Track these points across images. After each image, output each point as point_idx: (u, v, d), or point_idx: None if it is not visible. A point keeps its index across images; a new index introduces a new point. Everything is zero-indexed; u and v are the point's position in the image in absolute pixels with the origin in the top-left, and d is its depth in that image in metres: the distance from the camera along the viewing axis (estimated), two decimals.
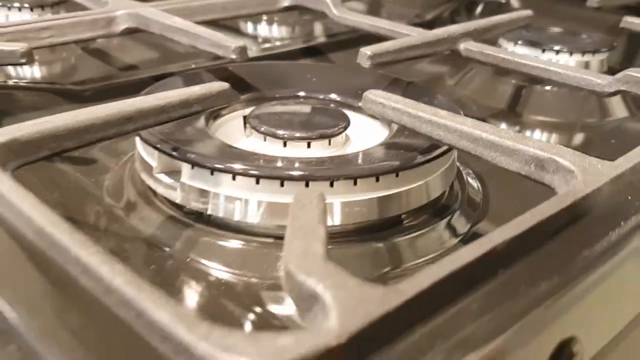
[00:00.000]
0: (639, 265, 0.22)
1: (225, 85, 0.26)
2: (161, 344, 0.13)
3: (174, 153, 0.24)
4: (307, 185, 0.23)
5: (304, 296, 0.14)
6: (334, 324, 0.13)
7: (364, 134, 0.29)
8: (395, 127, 0.28)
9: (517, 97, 0.40)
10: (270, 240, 0.23)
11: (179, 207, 0.25)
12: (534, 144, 0.22)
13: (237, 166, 0.23)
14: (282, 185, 0.23)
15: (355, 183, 0.23)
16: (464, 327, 0.16)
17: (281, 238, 0.16)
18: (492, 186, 0.28)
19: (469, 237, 0.25)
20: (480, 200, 0.28)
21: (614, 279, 0.21)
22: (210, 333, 0.13)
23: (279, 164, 0.24)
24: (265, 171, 0.23)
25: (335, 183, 0.23)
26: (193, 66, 0.40)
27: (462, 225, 0.26)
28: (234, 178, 0.23)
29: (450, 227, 0.25)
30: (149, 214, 0.25)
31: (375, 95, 0.26)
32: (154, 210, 0.25)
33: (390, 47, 0.34)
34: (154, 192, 0.26)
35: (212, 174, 0.23)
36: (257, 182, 0.23)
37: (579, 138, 0.37)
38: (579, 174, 0.21)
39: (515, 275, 0.17)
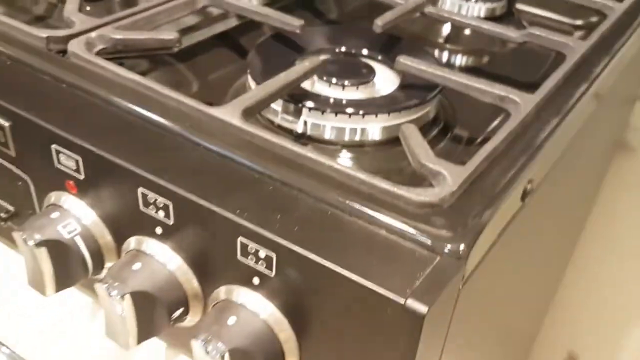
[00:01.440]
0: None
1: None
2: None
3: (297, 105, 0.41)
4: (376, 116, 0.41)
5: (433, 173, 0.33)
6: (451, 182, 0.33)
7: (381, 78, 0.48)
8: (401, 74, 0.46)
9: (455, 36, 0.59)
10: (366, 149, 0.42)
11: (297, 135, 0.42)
12: (499, 87, 0.42)
13: (340, 107, 0.41)
14: (363, 117, 0.41)
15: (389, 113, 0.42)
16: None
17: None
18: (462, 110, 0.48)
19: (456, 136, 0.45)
20: (456, 118, 0.47)
21: None
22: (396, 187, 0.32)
23: (359, 103, 0.42)
24: (358, 109, 0.41)
25: (391, 114, 0.41)
26: None
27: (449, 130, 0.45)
28: (336, 115, 0.41)
29: (445, 133, 0.45)
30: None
31: (405, 59, 0.44)
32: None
33: (392, 16, 0.51)
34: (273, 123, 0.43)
35: (322, 113, 0.41)
36: (350, 117, 0.41)
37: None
38: (521, 103, 0.40)
39: None
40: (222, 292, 0.35)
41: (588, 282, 0.90)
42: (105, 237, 0.38)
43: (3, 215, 0.43)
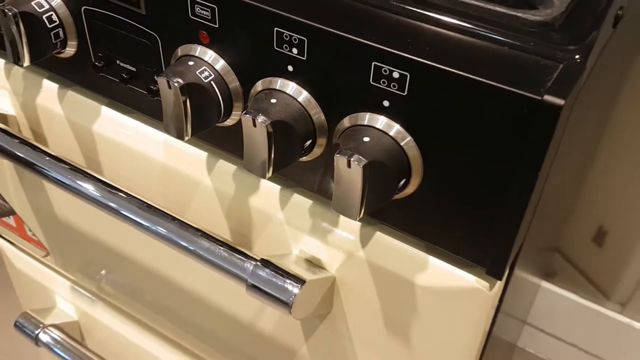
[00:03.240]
0: None
1: None
2: None
3: None
4: None
5: None
6: (558, 4, 0.36)
7: None
8: None
9: None
10: None
11: None
12: None
13: None
14: None
15: None
16: None
17: None
18: None
19: None
20: None
21: None
22: None
23: None
24: None
25: None
26: None
27: None
28: None
29: None
30: None
31: None
32: None
33: None
34: None
35: None
36: None
37: None
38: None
39: None
40: (346, 121, 0.40)
41: (619, 158, 0.95)
42: (234, 82, 0.42)
43: (125, 75, 0.47)
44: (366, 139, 0.38)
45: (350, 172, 0.36)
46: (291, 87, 0.40)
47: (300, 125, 0.40)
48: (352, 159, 0.36)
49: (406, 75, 0.36)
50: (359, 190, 0.37)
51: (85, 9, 0.47)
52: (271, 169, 0.40)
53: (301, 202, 0.47)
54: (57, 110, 0.55)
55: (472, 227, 0.39)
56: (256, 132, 0.39)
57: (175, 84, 0.40)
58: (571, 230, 1.06)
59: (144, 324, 0.72)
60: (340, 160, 0.36)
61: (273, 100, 0.40)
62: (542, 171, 0.35)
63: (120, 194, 0.50)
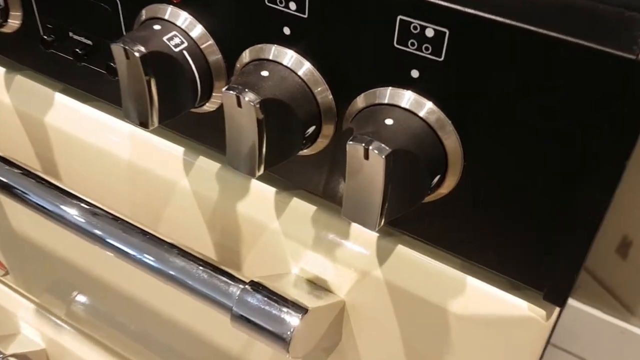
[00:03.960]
0: None
1: None
2: None
3: None
4: None
5: None
6: None
7: None
8: None
9: None
10: None
11: None
12: None
13: None
14: None
15: None
16: None
17: None
18: None
19: None
20: None
21: None
22: None
23: None
24: None
25: None
26: None
27: None
28: None
29: None
30: None
31: None
32: None
33: None
34: None
35: None
36: None
37: None
38: None
39: None
40: (360, 100, 0.30)
41: None
42: (214, 54, 0.33)
43: (79, 50, 0.38)
44: (389, 121, 0.28)
45: (368, 166, 0.27)
46: (289, 57, 0.31)
47: (300, 106, 0.31)
48: (370, 148, 0.26)
49: (444, 33, 0.26)
50: (380, 190, 0.27)
51: None
52: (262, 165, 0.31)
53: (302, 208, 0.37)
54: (3, 99, 0.46)
55: (528, 239, 0.30)
56: (242, 115, 0.29)
57: (136, 53, 0.31)
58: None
59: (118, 354, 0.63)
60: (354, 150, 0.27)
61: (264, 73, 0.30)
62: (630, 159, 0.25)
63: (75, 201, 0.40)
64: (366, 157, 0.27)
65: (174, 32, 0.32)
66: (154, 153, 0.41)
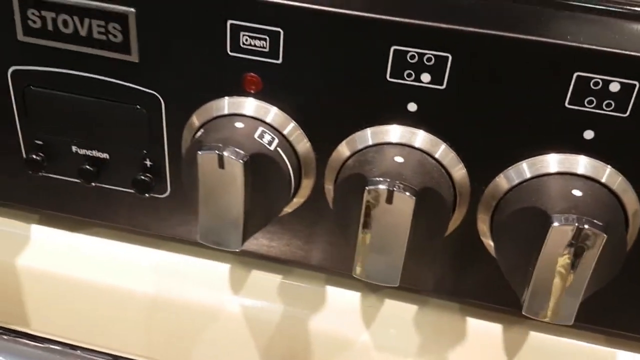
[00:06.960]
0: None
1: None
2: None
3: None
4: None
5: None
6: None
7: None
8: None
9: None
10: None
11: None
12: None
13: None
14: None
15: None
16: None
17: None
18: None
19: None
20: None
21: None
22: None
23: None
24: None
25: None
26: None
27: None
28: None
29: None
30: None
31: None
32: None
33: None
34: None
35: None
36: None
37: None
38: None
39: None
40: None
41: None
42: (304, 144, 0.28)
43: (89, 168, 0.30)
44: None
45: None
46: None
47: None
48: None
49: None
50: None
51: (13, 70, 0.28)
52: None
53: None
54: None
55: None
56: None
57: (240, 161, 0.24)
58: None
59: None
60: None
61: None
62: None
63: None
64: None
65: (260, 128, 0.26)
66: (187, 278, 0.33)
